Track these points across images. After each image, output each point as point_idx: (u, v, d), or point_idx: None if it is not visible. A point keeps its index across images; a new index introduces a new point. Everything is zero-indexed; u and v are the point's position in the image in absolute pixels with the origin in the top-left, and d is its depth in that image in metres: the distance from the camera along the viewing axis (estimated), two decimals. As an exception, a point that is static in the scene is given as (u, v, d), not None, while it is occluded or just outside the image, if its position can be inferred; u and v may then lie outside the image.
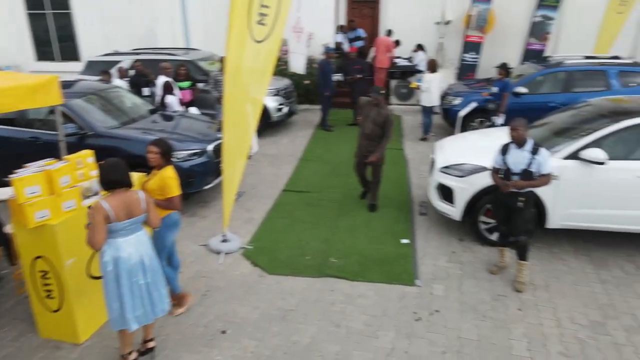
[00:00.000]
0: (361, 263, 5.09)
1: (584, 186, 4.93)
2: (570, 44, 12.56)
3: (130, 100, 7.32)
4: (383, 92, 6.04)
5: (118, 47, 11.96)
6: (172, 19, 13.18)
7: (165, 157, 3.90)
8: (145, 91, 8.56)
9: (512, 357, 3.76)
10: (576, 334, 4.00)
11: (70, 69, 11.87)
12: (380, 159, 6.08)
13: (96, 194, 3.94)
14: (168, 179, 3.81)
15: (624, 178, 4.85)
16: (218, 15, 12.35)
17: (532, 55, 11.70)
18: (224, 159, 5.07)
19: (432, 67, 9.34)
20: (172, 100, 7.83)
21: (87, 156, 4.01)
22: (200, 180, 6.23)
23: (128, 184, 3.35)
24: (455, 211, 5.46)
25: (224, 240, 5.43)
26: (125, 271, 3.31)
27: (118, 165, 3.32)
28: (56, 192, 3.63)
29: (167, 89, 7.84)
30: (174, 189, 3.83)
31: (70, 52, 14.73)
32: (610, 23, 10.72)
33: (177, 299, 4.32)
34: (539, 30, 11.93)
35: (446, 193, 5.53)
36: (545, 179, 4.32)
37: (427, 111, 9.48)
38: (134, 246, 3.34)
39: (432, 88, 9.22)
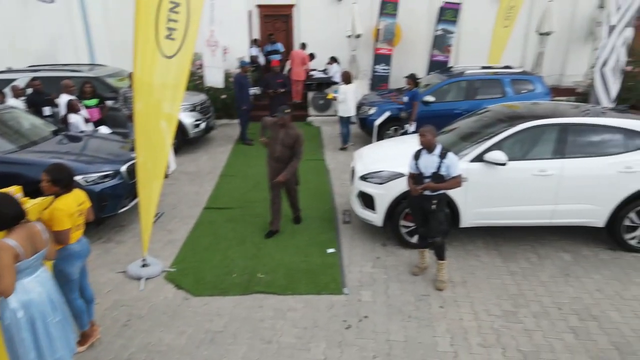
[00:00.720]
0: (289, 276, 5.08)
1: (489, 186, 5.34)
2: (469, 55, 13.65)
3: (29, 121, 6.73)
4: (289, 111, 5.71)
5: (11, 64, 10.97)
6: (74, 34, 12.37)
7: (60, 185, 3.54)
8: (46, 111, 7.94)
9: (437, 353, 3.95)
10: (492, 324, 4.30)
11: (-45, 89, 10.66)
12: (290, 179, 5.83)
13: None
14: (56, 211, 3.45)
15: (523, 177, 5.31)
16: (124, 29, 11.82)
17: (437, 66, 12.51)
18: (139, 180, 4.83)
19: (347, 78, 9.65)
20: (77, 120, 7.33)
21: (-22, 186, 3.61)
22: (114, 204, 5.88)
23: (25, 216, 3.06)
24: (376, 217, 5.64)
25: (144, 265, 5.16)
26: (39, 314, 3.00)
27: (11, 198, 3.00)
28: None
29: (71, 107, 7.33)
30: (62, 223, 3.46)
31: (-46, 71, 13.26)
32: (499, 36, 11.80)
33: (82, 335, 3.99)
34: (441, 42, 12.80)
35: (367, 200, 5.70)
36: (455, 181, 4.61)
37: (345, 121, 9.76)
38: (40, 284, 3.05)
39: (347, 99, 9.51)
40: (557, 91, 12.10)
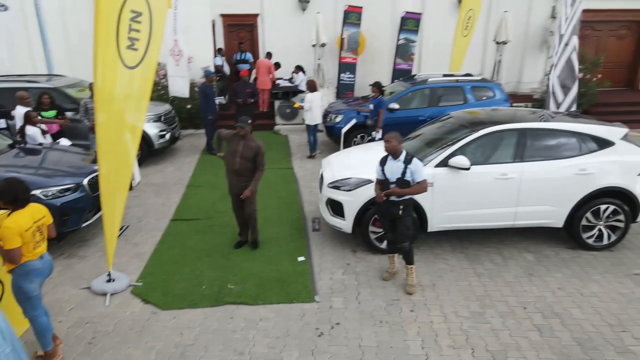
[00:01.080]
0: (260, 286, 5.04)
1: (454, 190, 5.47)
2: (431, 63, 14.03)
3: (-17, 134, 6.46)
4: (250, 122, 5.45)
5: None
6: (29, 44, 11.96)
7: (5, 200, 3.43)
8: (1, 123, 7.62)
9: (409, 357, 3.99)
10: (461, 326, 4.39)
11: None
12: (254, 194, 5.56)
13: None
14: (4, 229, 3.34)
15: (485, 180, 5.48)
16: (84, 39, 11.51)
17: (401, 74, 12.77)
18: (102, 192, 4.70)
19: (312, 87, 9.71)
20: (34, 132, 7.06)
21: None
22: (76, 218, 5.69)
23: None
24: (346, 224, 5.68)
25: (109, 280, 5.01)
26: None
27: None
28: None
29: (29, 119, 7.06)
30: (10, 241, 3.34)
31: None
32: (459, 45, 12.22)
33: (45, 355, 3.84)
34: (404, 51, 13.08)
35: (336, 207, 5.74)
36: (420, 186, 4.68)
37: (312, 129, 9.81)
38: None
39: (313, 107, 9.57)
40: (515, 98, 12.59)
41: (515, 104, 10.31)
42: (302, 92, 11.98)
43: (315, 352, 4.05)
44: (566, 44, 9.48)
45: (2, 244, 3.34)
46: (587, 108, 12.03)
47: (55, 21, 12.08)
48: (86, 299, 4.84)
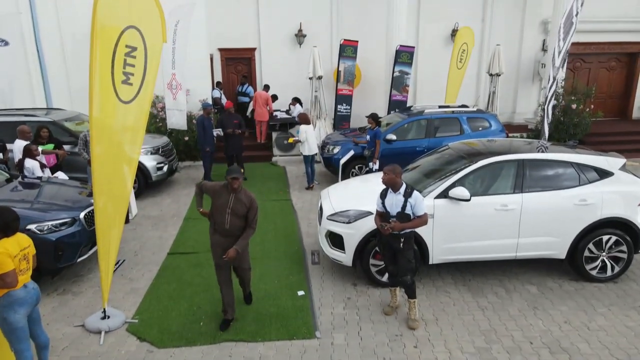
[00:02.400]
0: (259, 321, 4.92)
1: (455, 222, 5.42)
2: (426, 95, 14.25)
3: (-21, 168, 6.41)
4: (243, 171, 4.63)
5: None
6: (29, 78, 12.06)
7: None
8: (-2, 157, 7.58)
9: (414, 396, 3.86)
10: (467, 362, 4.27)
11: None
12: (243, 256, 4.77)
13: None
14: None
15: (486, 212, 5.44)
16: (83, 73, 11.64)
17: (396, 105, 12.91)
18: (97, 226, 4.64)
19: (304, 120, 9.79)
20: (33, 165, 7.02)
21: None
22: (72, 253, 5.58)
23: None
24: (346, 257, 5.60)
25: (104, 317, 4.87)
26: None
27: None
28: None
29: (29, 153, 7.02)
30: (4, 265, 3.41)
31: None
32: (454, 77, 12.45)
33: None
34: (399, 83, 13.26)
35: (336, 240, 5.66)
36: (420, 220, 4.62)
37: (309, 160, 9.81)
38: None
39: (309, 137, 9.61)
40: (509, 128, 12.73)
41: (510, 135, 10.41)
42: (299, 123, 12.06)
43: (317, 392, 3.91)
44: (557, 75, 9.75)
45: None
46: (581, 138, 12.16)
47: (56, 55, 12.23)
48: (80, 337, 4.69)
